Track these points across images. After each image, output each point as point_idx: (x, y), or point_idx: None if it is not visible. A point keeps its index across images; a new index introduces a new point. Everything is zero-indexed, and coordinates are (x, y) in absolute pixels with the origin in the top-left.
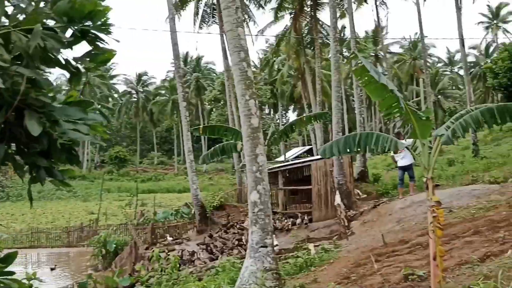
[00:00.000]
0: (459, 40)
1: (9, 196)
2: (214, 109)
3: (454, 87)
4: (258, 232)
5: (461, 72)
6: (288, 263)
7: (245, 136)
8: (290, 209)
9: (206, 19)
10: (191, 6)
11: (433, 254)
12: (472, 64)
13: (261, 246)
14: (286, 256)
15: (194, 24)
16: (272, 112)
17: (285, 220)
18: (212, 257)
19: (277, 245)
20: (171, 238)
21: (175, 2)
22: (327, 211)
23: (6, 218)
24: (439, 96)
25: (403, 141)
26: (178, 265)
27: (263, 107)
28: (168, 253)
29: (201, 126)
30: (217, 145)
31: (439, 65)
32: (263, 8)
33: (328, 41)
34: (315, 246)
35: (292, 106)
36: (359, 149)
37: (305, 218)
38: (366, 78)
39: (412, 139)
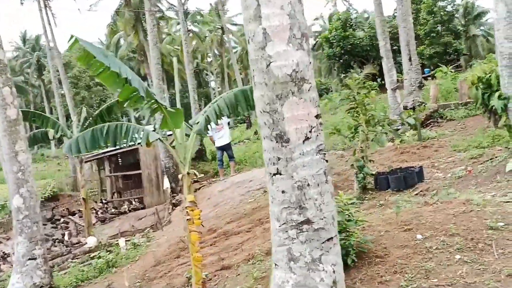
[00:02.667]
0: None
1: None
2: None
3: None
4: (25, 242)
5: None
6: (90, 265)
7: (0, 130)
8: (125, 195)
9: None
10: None
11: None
12: (317, 34)
13: (29, 259)
14: (91, 256)
15: None
16: None
17: (113, 210)
18: None
19: (86, 243)
20: None
21: None
22: (159, 196)
23: None
24: None
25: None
26: None
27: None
28: None
29: None
30: (29, 134)
31: None
32: None
33: (166, 15)
34: (126, 240)
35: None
36: (108, 143)
37: (137, 204)
38: (95, 66)
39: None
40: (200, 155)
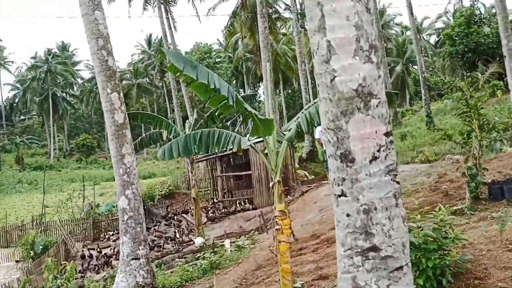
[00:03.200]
0: (407, 8)
1: None
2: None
3: (425, 55)
4: (129, 242)
5: (431, 39)
6: (195, 265)
7: (109, 134)
8: (236, 195)
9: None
10: None
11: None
12: (440, 31)
13: (133, 259)
14: (196, 256)
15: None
16: (244, 91)
17: (223, 210)
18: None
19: (194, 243)
20: (111, 233)
21: None
22: (269, 196)
23: None
24: (409, 65)
25: None
26: (74, 275)
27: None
28: (100, 251)
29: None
30: (144, 134)
31: (408, 33)
32: None
33: (283, 16)
34: (231, 242)
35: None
36: (200, 150)
37: (246, 205)
38: (184, 76)
39: None
40: (311, 156)
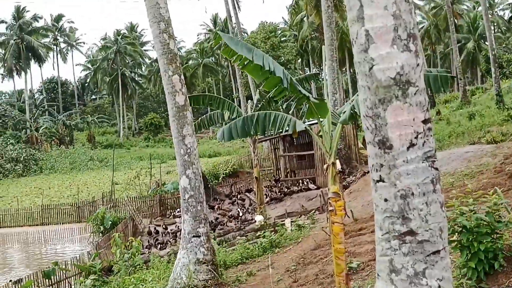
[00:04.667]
0: None
1: (42, 169)
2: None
3: (498, 30)
4: (190, 221)
5: (505, 15)
6: (256, 243)
7: (170, 115)
8: (298, 174)
9: None
10: None
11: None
12: None
13: (194, 236)
14: (257, 234)
15: None
16: (309, 70)
17: (285, 189)
18: None
19: (255, 221)
20: (177, 210)
21: None
22: None
23: (32, 193)
24: (480, 41)
25: None
26: (139, 251)
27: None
28: (166, 227)
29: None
30: (205, 115)
31: (480, 8)
32: None
33: None
34: (292, 221)
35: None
36: (258, 131)
37: (309, 185)
38: (240, 59)
39: None
40: None
